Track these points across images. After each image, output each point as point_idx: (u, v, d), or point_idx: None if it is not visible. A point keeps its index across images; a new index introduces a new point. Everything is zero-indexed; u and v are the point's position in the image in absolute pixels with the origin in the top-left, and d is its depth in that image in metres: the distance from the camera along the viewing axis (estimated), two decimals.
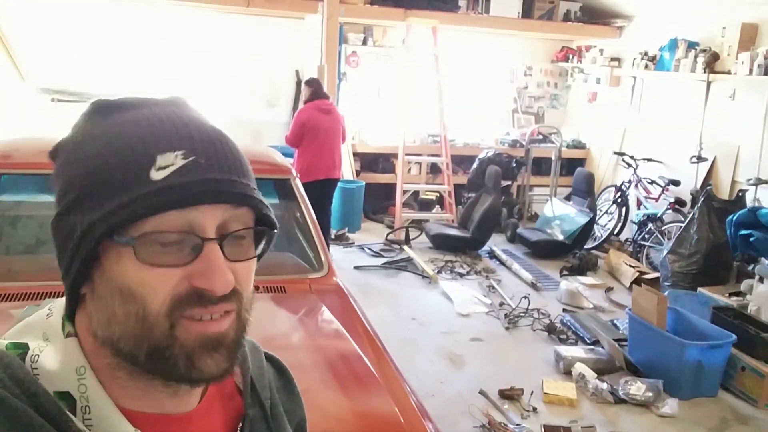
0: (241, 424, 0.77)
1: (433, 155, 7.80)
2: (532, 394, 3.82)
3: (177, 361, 0.64)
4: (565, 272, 6.23)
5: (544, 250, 6.77)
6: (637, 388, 3.85)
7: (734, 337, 3.94)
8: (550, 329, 4.77)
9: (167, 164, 0.63)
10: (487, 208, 6.74)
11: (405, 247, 6.64)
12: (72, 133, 0.69)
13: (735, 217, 4.63)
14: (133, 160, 0.63)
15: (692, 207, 5.79)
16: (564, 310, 5.26)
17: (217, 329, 0.65)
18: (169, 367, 0.65)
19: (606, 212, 7.18)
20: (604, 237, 7.05)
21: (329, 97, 5.84)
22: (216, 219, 0.65)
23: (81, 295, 0.68)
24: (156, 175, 0.63)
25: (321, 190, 5.63)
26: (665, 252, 5.53)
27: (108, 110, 0.68)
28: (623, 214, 6.99)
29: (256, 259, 0.71)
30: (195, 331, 0.64)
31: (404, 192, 7.44)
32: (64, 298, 0.72)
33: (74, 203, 0.66)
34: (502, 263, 6.46)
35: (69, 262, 0.66)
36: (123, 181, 0.63)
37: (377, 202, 7.95)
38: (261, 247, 0.71)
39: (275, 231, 0.73)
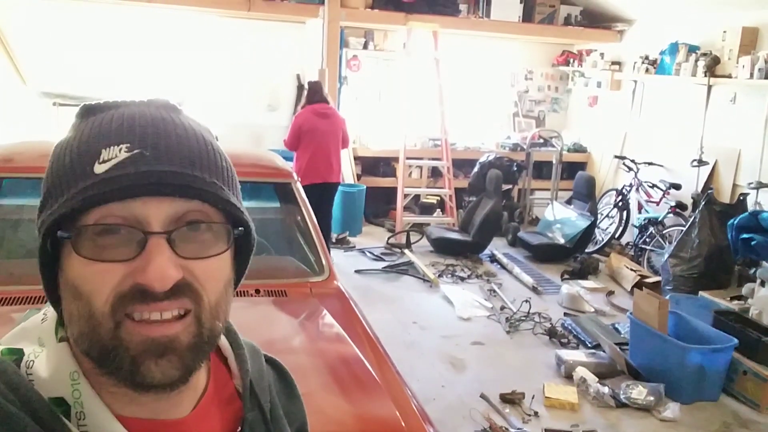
0: (240, 428, 0.76)
1: (434, 159, 7.81)
2: (533, 398, 3.82)
3: (122, 363, 0.62)
4: (566, 276, 6.23)
5: (545, 254, 6.77)
6: (639, 392, 3.84)
7: (736, 341, 3.93)
8: (552, 333, 4.77)
9: (110, 157, 0.62)
10: (488, 211, 6.73)
11: (406, 251, 6.64)
12: (62, 137, 0.70)
13: (736, 221, 4.62)
14: (82, 157, 0.63)
15: (693, 211, 5.79)
16: (565, 313, 5.26)
17: (162, 332, 0.62)
18: (115, 370, 0.63)
19: (607, 216, 7.18)
20: (605, 241, 7.05)
21: (329, 101, 5.81)
22: (164, 212, 0.62)
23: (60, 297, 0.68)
24: (98, 168, 0.61)
25: (318, 194, 5.55)
26: (666, 256, 5.53)
27: (89, 113, 0.68)
28: (624, 217, 6.99)
29: (226, 258, 0.68)
30: (138, 333, 0.62)
31: (405, 196, 7.44)
32: None
33: (42, 204, 0.66)
34: (503, 267, 6.46)
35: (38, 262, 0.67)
36: (72, 177, 0.62)
37: (378, 205, 7.95)
38: (228, 245, 0.67)
39: (241, 229, 0.69)
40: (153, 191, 0.61)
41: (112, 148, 0.62)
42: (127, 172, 0.61)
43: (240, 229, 0.69)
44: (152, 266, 0.61)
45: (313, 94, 5.74)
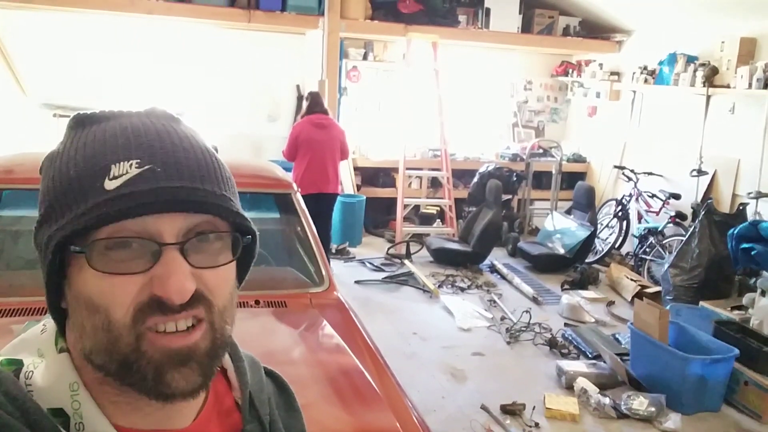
0: None
1: (433, 169, 7.82)
2: (534, 409, 3.80)
3: (145, 375, 0.63)
4: (566, 286, 6.22)
5: (545, 264, 6.76)
6: (640, 402, 3.83)
7: (737, 351, 3.92)
8: (552, 344, 4.76)
9: (121, 173, 0.62)
10: (488, 222, 6.74)
11: (406, 262, 6.63)
12: (54, 148, 0.69)
13: (736, 231, 4.62)
14: (89, 171, 0.63)
15: (693, 220, 5.79)
16: (565, 324, 5.25)
17: (183, 343, 0.63)
18: (138, 381, 0.63)
19: (607, 226, 7.18)
20: (605, 251, 7.05)
21: (327, 112, 5.81)
22: (177, 225, 0.63)
23: (65, 310, 0.68)
24: (109, 184, 0.62)
25: (314, 204, 5.51)
26: (666, 266, 5.52)
27: (84, 123, 0.68)
28: (624, 227, 6.99)
29: (232, 267, 0.69)
30: (161, 345, 0.63)
31: (405, 206, 7.44)
32: None
33: (44, 218, 0.66)
34: (503, 277, 6.45)
35: (44, 276, 0.66)
36: (80, 193, 0.62)
37: (378, 216, 7.95)
38: (236, 253, 0.69)
39: (249, 237, 0.70)
40: (166, 208, 0.62)
41: (122, 163, 0.62)
42: (140, 189, 0.61)
43: (248, 237, 0.70)
44: (171, 280, 0.62)
45: (313, 105, 5.74)
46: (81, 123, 0.68)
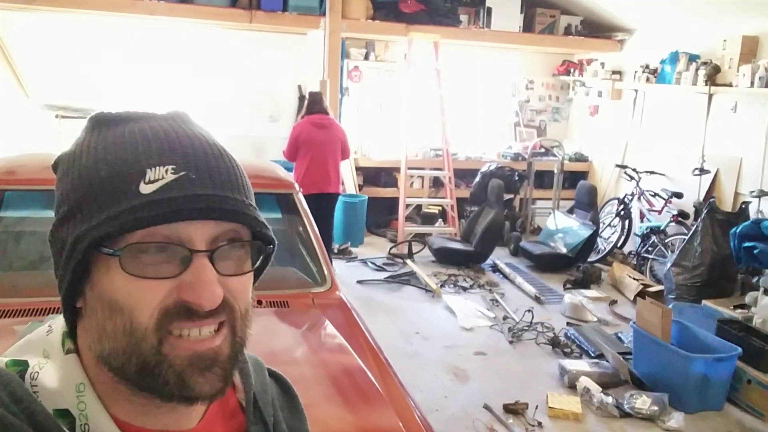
0: None
1: (435, 169, 7.81)
2: (536, 408, 3.80)
3: (168, 379, 0.63)
4: (568, 285, 6.22)
5: (548, 264, 6.76)
6: (643, 401, 3.82)
7: (740, 350, 3.92)
8: (554, 343, 4.75)
9: (157, 178, 0.63)
10: (490, 221, 6.73)
11: (408, 261, 6.63)
12: (72, 147, 0.69)
13: (738, 229, 4.61)
14: (123, 173, 0.63)
15: (695, 219, 5.79)
16: (568, 323, 5.24)
17: (209, 346, 0.64)
18: (160, 386, 0.63)
19: (609, 225, 7.17)
20: (607, 250, 7.04)
21: (327, 111, 5.79)
22: (207, 232, 0.64)
23: (78, 309, 0.68)
24: (145, 188, 0.62)
25: (315, 205, 5.52)
26: (669, 265, 5.52)
27: (107, 123, 0.68)
28: (626, 226, 6.98)
29: (252, 273, 0.70)
30: (185, 348, 0.63)
31: (407, 206, 7.44)
32: None
33: (67, 215, 0.66)
34: (506, 277, 6.45)
35: (62, 274, 0.66)
36: (113, 194, 0.63)
37: (380, 216, 7.95)
38: (258, 262, 0.70)
39: (271, 246, 0.72)
40: (202, 215, 0.63)
41: (157, 168, 0.63)
42: (175, 195, 0.62)
43: (270, 246, 0.72)
44: (204, 287, 0.63)
45: (312, 105, 5.74)
46: (104, 123, 0.68)
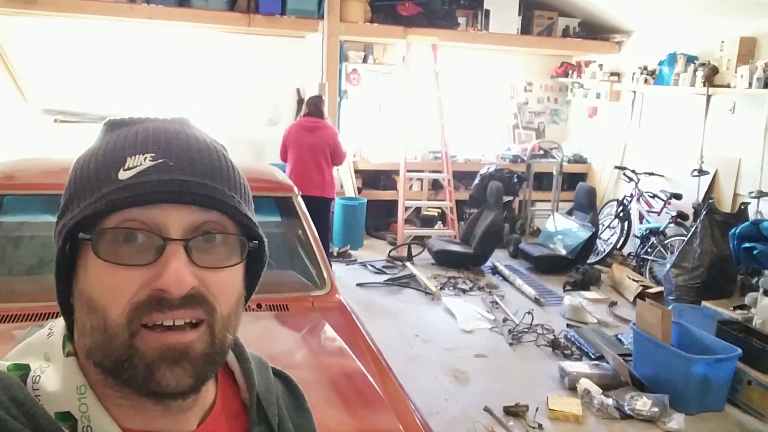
0: None
1: (434, 171, 7.82)
2: (537, 410, 3.80)
3: (136, 371, 0.63)
4: (568, 287, 6.22)
5: (547, 266, 6.76)
6: (643, 403, 3.82)
7: (740, 350, 3.92)
8: (555, 345, 4.75)
9: (135, 165, 0.64)
10: (489, 223, 6.73)
11: (407, 264, 6.63)
12: (86, 149, 0.72)
13: (738, 230, 4.61)
14: (107, 164, 0.65)
15: (694, 220, 5.79)
16: (568, 325, 5.24)
17: (178, 339, 0.63)
18: (129, 378, 0.63)
19: (608, 227, 7.18)
20: (606, 251, 7.04)
21: (320, 114, 5.76)
22: (182, 221, 0.64)
23: (73, 307, 0.69)
24: (123, 174, 0.63)
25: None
26: (668, 266, 5.52)
27: (114, 126, 0.70)
28: (625, 228, 6.99)
29: (239, 273, 0.69)
30: (155, 340, 0.63)
31: (406, 208, 7.45)
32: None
33: (62, 211, 0.68)
34: (505, 279, 6.45)
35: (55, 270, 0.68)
36: (96, 183, 0.64)
37: (379, 218, 7.95)
38: (242, 257, 0.69)
39: (256, 242, 0.70)
40: (174, 198, 0.63)
41: (137, 156, 0.64)
42: (150, 179, 0.63)
43: (254, 242, 0.70)
44: (169, 270, 0.62)
45: (305, 108, 5.80)
46: (112, 126, 0.71)
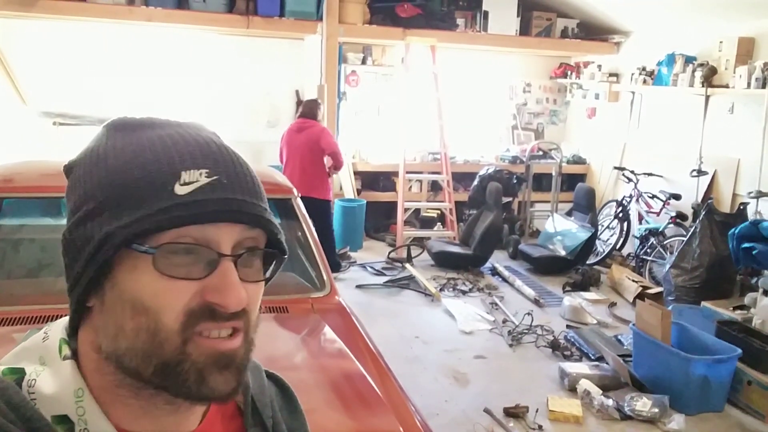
0: None
1: (433, 173, 7.82)
2: (537, 411, 3.79)
3: (188, 377, 0.64)
4: (567, 288, 6.22)
5: (547, 266, 6.76)
6: (643, 404, 3.82)
7: (740, 351, 3.92)
8: (554, 346, 4.75)
9: (192, 180, 0.65)
10: (489, 224, 6.73)
11: (407, 265, 6.63)
12: (90, 148, 0.70)
13: (737, 231, 4.62)
14: (158, 174, 0.65)
15: (694, 221, 5.79)
16: (567, 326, 5.24)
17: (230, 346, 0.66)
18: (179, 384, 0.64)
19: (607, 227, 7.18)
20: (606, 252, 7.04)
21: (312, 116, 5.86)
22: (232, 237, 0.66)
23: (87, 308, 0.68)
24: (180, 189, 0.64)
25: None
26: (668, 266, 5.52)
27: (130, 127, 0.70)
28: (625, 228, 6.99)
29: (263, 283, 0.72)
30: (208, 347, 0.65)
31: (405, 210, 7.45)
32: (61, 321, 0.72)
33: (92, 213, 0.66)
34: (505, 280, 6.45)
35: (80, 271, 0.66)
36: (147, 193, 0.64)
37: (378, 220, 7.96)
38: (270, 270, 0.72)
39: (285, 256, 0.74)
40: (233, 218, 0.66)
41: (192, 171, 0.65)
42: (209, 197, 0.65)
43: (285, 256, 0.73)
44: (231, 289, 0.65)
45: (300, 110, 5.98)
46: (126, 127, 0.70)
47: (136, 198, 0.64)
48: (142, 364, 0.64)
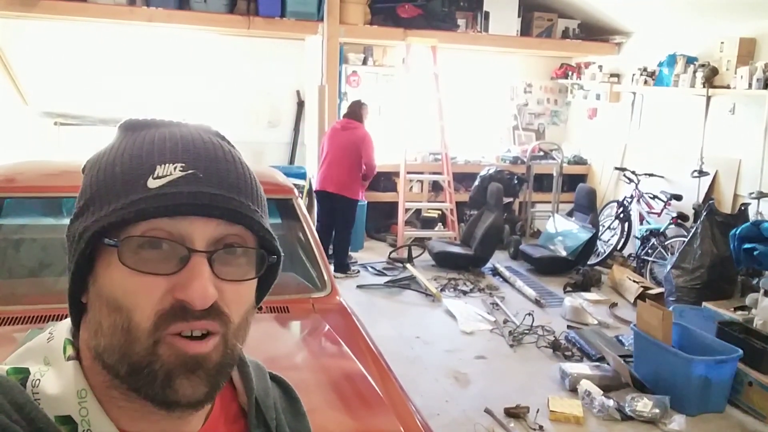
0: None
1: (434, 173, 7.82)
2: (537, 412, 3.79)
3: (155, 378, 0.63)
4: (568, 288, 6.21)
5: (548, 267, 6.75)
6: (644, 404, 3.82)
7: (740, 351, 3.91)
8: (555, 346, 4.75)
9: (165, 174, 0.64)
10: (490, 225, 6.73)
11: (408, 266, 6.62)
12: (102, 148, 0.71)
13: (738, 231, 4.61)
14: (135, 169, 0.65)
15: (695, 221, 5.79)
16: (568, 326, 5.24)
17: (198, 349, 0.64)
18: (147, 386, 0.63)
19: (608, 228, 7.18)
20: (607, 253, 7.04)
21: (358, 118, 6.14)
22: (208, 233, 0.64)
23: (84, 305, 0.69)
24: (152, 183, 0.63)
25: (321, 202, 6.20)
26: (669, 267, 5.51)
27: (135, 127, 0.70)
28: (626, 229, 6.98)
29: (253, 285, 0.70)
30: (177, 348, 0.63)
31: (406, 210, 7.45)
32: (66, 321, 0.72)
33: (82, 209, 0.67)
34: (506, 280, 6.44)
35: (69, 267, 0.68)
36: (124, 188, 0.64)
37: (379, 220, 7.95)
38: (261, 271, 0.70)
39: (275, 257, 0.71)
40: (203, 211, 0.64)
41: (167, 165, 0.64)
42: (180, 190, 0.63)
43: (273, 257, 0.71)
44: (195, 284, 0.63)
45: (346, 110, 6.34)
46: (132, 127, 0.70)
47: (114, 193, 0.64)
48: (118, 363, 0.64)
